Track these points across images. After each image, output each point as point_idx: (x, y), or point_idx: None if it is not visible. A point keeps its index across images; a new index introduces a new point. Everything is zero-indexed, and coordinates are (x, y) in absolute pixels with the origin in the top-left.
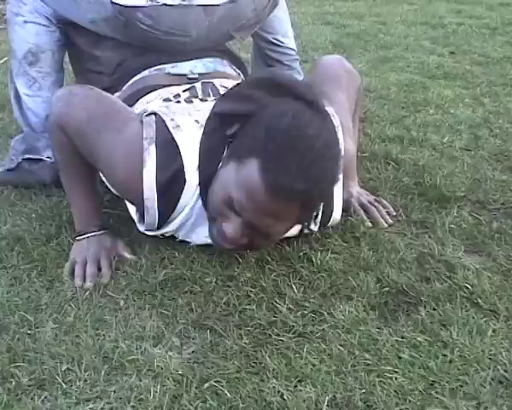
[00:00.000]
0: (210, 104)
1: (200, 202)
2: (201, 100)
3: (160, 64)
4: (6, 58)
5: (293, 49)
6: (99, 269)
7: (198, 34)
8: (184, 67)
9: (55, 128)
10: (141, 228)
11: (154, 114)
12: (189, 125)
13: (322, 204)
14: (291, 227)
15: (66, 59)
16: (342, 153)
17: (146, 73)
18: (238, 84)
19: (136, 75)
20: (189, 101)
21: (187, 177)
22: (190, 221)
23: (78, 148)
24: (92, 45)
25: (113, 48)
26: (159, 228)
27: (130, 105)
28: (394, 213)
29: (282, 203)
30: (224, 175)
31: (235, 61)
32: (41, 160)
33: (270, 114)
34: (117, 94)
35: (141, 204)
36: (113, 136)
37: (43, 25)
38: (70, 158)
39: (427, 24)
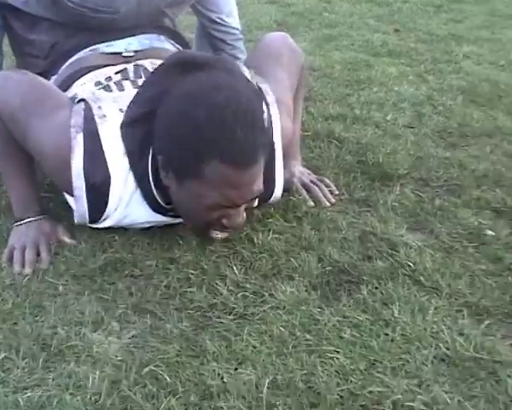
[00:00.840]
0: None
1: (134, 198)
2: (133, 83)
3: (94, 44)
4: None
5: (237, 29)
6: (38, 254)
7: (127, 11)
8: (119, 46)
9: None
10: (75, 219)
11: (84, 100)
12: (113, 115)
13: None
14: None
15: (7, 41)
16: (279, 129)
17: (81, 54)
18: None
19: (71, 57)
20: (119, 84)
21: (111, 172)
22: (128, 218)
23: (13, 133)
24: (27, 29)
25: (46, 31)
26: (92, 222)
27: (66, 88)
28: (337, 192)
29: (259, 162)
30: (190, 196)
31: (174, 37)
32: None
33: (180, 113)
34: (54, 77)
35: (72, 193)
36: (41, 122)
37: None
38: (6, 143)
39: (372, 2)
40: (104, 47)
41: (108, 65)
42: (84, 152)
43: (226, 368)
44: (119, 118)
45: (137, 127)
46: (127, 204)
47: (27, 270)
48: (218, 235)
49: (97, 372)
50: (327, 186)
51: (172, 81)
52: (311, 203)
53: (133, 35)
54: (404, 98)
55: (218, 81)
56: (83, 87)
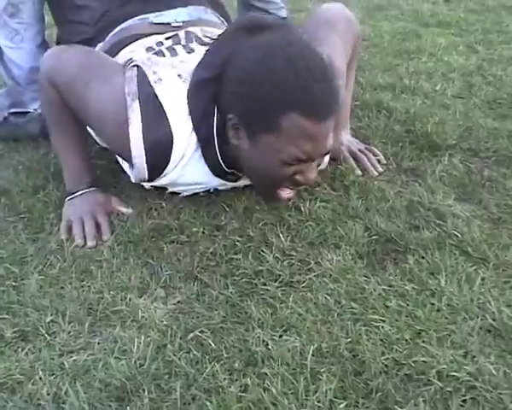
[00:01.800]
0: (195, 56)
1: (194, 158)
2: (184, 47)
3: (143, 14)
4: None
5: None
6: (97, 226)
7: None
8: (168, 16)
9: (46, 84)
10: (133, 179)
11: (137, 66)
12: (171, 79)
13: None
14: None
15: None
16: None
17: (130, 22)
18: (212, 41)
19: (119, 25)
20: (171, 49)
21: (174, 132)
22: (184, 177)
23: (68, 103)
24: None
25: None
26: (150, 181)
27: (113, 55)
28: (385, 162)
29: (333, 115)
30: (266, 152)
31: (219, 9)
32: (27, 112)
33: (255, 67)
34: (100, 44)
35: (130, 160)
36: (99, 88)
37: None
38: (60, 114)
39: None
40: (153, 17)
41: (156, 33)
42: (141, 119)
43: (271, 335)
44: (178, 82)
45: (204, 90)
46: (186, 163)
47: (90, 243)
48: (286, 195)
49: (142, 337)
50: (375, 155)
51: (241, 43)
52: (359, 172)
53: (181, 6)
54: (454, 68)
55: (291, 38)
56: (133, 54)
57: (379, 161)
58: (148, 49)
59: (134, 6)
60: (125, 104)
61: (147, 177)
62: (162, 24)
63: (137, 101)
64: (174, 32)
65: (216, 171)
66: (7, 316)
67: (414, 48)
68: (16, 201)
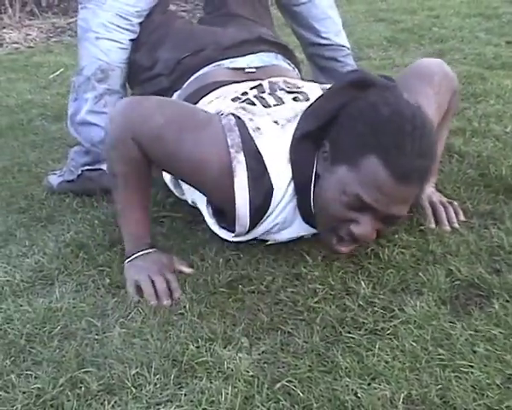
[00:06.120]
0: (286, 104)
1: (288, 208)
2: (271, 95)
3: (217, 61)
4: (62, 69)
5: (345, 46)
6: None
7: None
8: (241, 62)
9: (126, 139)
10: (229, 237)
11: (233, 114)
12: (269, 127)
13: None
14: None
15: None
16: None
17: (205, 69)
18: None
19: (196, 72)
20: (260, 98)
21: (273, 183)
22: (276, 227)
23: (154, 156)
24: (151, 50)
25: (170, 49)
26: (246, 233)
27: (193, 104)
28: (464, 219)
29: (412, 186)
30: (336, 182)
31: (289, 56)
32: (100, 169)
33: (364, 109)
34: (177, 93)
35: (231, 210)
36: (194, 135)
37: (115, 41)
38: (135, 172)
39: (481, 15)
40: (228, 63)
41: (234, 81)
42: (247, 171)
43: (359, 383)
44: (276, 129)
45: (310, 138)
46: (280, 212)
47: (166, 302)
48: (342, 248)
49: (230, 388)
50: (455, 211)
51: (352, 96)
52: (433, 226)
53: (253, 53)
54: None
55: (406, 98)
56: (212, 104)
57: (457, 218)
58: (235, 99)
59: (207, 53)
60: (228, 155)
61: (247, 228)
62: (236, 69)
63: (242, 154)
64: (258, 82)
65: (306, 218)
66: (92, 369)
67: (480, 91)
68: (94, 254)
